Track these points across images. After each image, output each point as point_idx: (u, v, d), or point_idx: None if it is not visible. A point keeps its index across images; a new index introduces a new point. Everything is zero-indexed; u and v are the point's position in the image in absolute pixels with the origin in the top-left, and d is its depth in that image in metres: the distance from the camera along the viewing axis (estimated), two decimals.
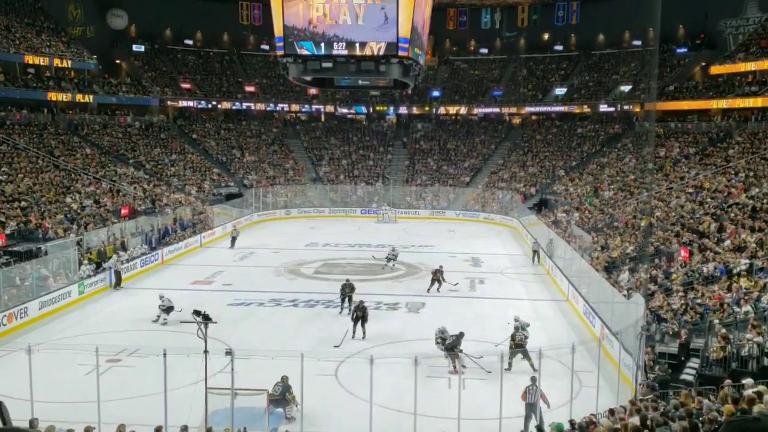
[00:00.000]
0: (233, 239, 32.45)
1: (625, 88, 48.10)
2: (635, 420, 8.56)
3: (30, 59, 40.59)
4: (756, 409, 6.68)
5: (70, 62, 43.41)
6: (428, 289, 23.39)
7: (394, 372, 13.45)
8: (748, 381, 9.77)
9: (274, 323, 19.81)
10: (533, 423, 12.16)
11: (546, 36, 55.83)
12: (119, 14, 51.80)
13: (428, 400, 12.73)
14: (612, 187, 37.80)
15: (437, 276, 23.57)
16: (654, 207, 29.43)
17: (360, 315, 18.17)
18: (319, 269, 27.77)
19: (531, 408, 12.52)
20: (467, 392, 13.24)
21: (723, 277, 18.20)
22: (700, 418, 7.57)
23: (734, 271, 18.33)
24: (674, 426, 7.56)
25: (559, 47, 55.00)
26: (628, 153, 42.32)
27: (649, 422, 8.16)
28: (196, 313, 11.82)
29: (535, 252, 28.96)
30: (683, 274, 19.79)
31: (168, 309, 19.37)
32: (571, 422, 11.01)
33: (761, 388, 8.45)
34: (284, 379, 13.21)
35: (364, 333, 18.07)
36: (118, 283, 23.84)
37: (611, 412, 10.70)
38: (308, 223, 40.74)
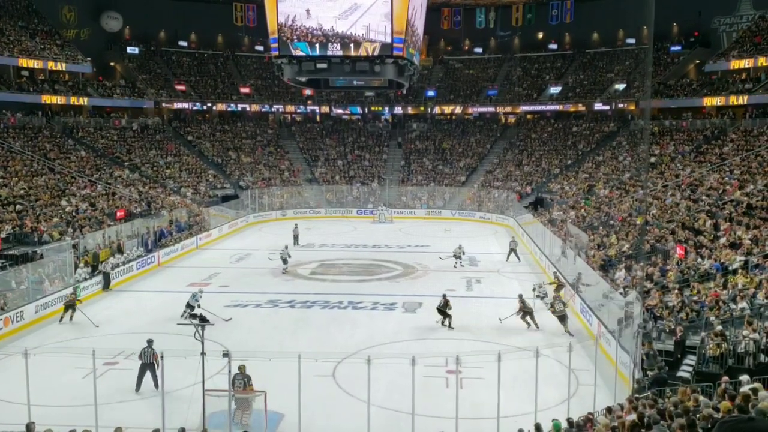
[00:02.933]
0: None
1: (620, 86, 48.17)
2: (633, 418, 8.56)
3: (24, 62, 40.45)
4: (759, 406, 6.66)
5: (64, 65, 43.28)
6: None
7: (392, 372, 13.44)
8: (744, 378, 9.79)
9: (271, 324, 19.77)
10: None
11: (540, 35, 55.89)
12: (114, 16, 51.63)
13: (426, 400, 12.73)
14: (608, 185, 37.86)
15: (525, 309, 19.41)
16: (649, 205, 29.48)
17: None
18: (315, 270, 27.76)
19: (144, 368, 14.03)
20: (465, 392, 13.25)
21: (719, 274, 18.25)
22: (698, 415, 7.57)
23: (730, 268, 18.39)
24: (672, 424, 7.56)
25: (553, 46, 55.11)
26: (624, 151, 42.42)
27: (646, 420, 8.16)
28: (193, 315, 11.79)
29: (512, 251, 29.39)
30: (679, 271, 19.84)
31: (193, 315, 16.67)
32: (569, 420, 11.03)
33: (757, 384, 8.47)
34: (242, 368, 12.56)
35: None
36: (106, 285, 23.71)
37: (609, 410, 10.71)
38: (304, 223, 40.70)
